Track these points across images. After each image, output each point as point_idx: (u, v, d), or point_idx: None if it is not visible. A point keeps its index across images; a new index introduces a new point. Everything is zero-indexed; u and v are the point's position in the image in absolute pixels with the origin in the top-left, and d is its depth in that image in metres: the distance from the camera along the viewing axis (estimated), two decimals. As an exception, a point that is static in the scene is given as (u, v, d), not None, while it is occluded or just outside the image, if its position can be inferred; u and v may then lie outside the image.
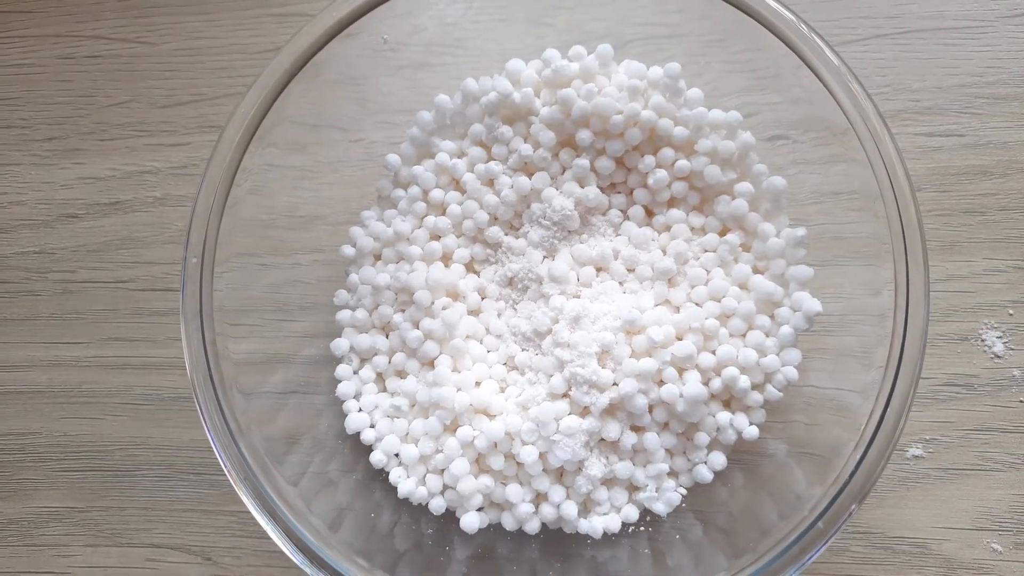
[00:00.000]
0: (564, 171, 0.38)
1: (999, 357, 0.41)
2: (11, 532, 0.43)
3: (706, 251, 0.37)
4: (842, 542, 0.40)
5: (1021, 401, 0.40)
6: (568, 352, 0.34)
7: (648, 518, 0.37)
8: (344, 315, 0.39)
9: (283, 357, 0.39)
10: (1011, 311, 0.41)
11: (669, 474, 0.36)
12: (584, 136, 0.36)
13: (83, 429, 0.44)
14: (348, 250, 0.39)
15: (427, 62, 0.41)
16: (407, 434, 0.37)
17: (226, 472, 0.32)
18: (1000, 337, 0.41)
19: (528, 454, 0.34)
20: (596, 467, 0.35)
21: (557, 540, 0.37)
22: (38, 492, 0.44)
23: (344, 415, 0.38)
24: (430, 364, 0.37)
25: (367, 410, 0.38)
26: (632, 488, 0.37)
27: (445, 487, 0.36)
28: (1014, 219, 0.42)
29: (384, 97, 0.41)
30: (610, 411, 0.35)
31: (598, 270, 0.37)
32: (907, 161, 0.42)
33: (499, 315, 0.38)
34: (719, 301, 0.36)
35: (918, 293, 0.30)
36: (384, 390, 0.39)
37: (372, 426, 0.37)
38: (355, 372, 0.39)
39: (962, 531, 0.40)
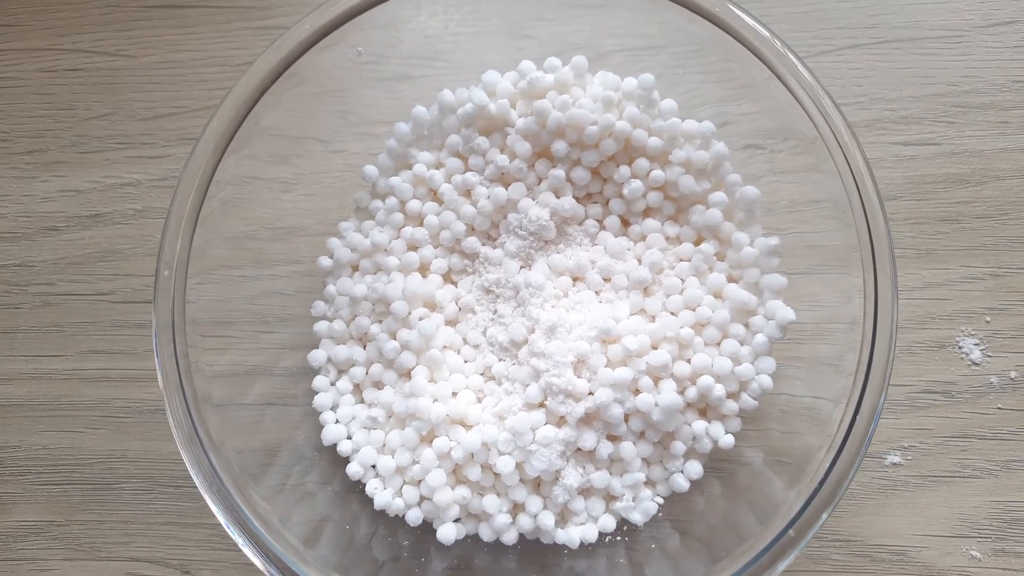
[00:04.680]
0: (540, 182, 0.38)
1: (976, 364, 0.41)
2: (-10, 546, 0.43)
3: (681, 260, 0.37)
4: (822, 550, 0.40)
5: (999, 408, 0.41)
6: (544, 362, 0.34)
7: (625, 527, 0.37)
8: (321, 326, 0.39)
9: (261, 369, 0.39)
10: (988, 318, 0.41)
11: (646, 483, 0.36)
12: (559, 147, 0.37)
13: (62, 442, 0.44)
14: (325, 261, 0.39)
15: (408, 74, 0.41)
16: (384, 445, 0.37)
17: (198, 486, 0.32)
18: (977, 344, 0.41)
19: (505, 464, 0.34)
20: (573, 477, 0.35)
21: (535, 550, 0.37)
22: (17, 506, 0.43)
23: (321, 427, 0.38)
24: (407, 375, 0.37)
25: (344, 421, 0.38)
26: (609, 498, 0.36)
27: (422, 498, 0.36)
28: (990, 227, 0.42)
29: (365, 108, 0.42)
30: (586, 421, 0.35)
31: (574, 280, 0.38)
32: (883, 170, 0.43)
33: (476, 325, 0.38)
34: (694, 310, 0.36)
35: (886, 301, 0.31)
36: (361, 401, 0.39)
37: (349, 437, 0.37)
38: (332, 383, 0.39)
39: (941, 538, 0.40)
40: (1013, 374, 0.41)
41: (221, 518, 0.32)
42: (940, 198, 0.42)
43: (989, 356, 0.41)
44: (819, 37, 0.44)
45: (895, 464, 0.40)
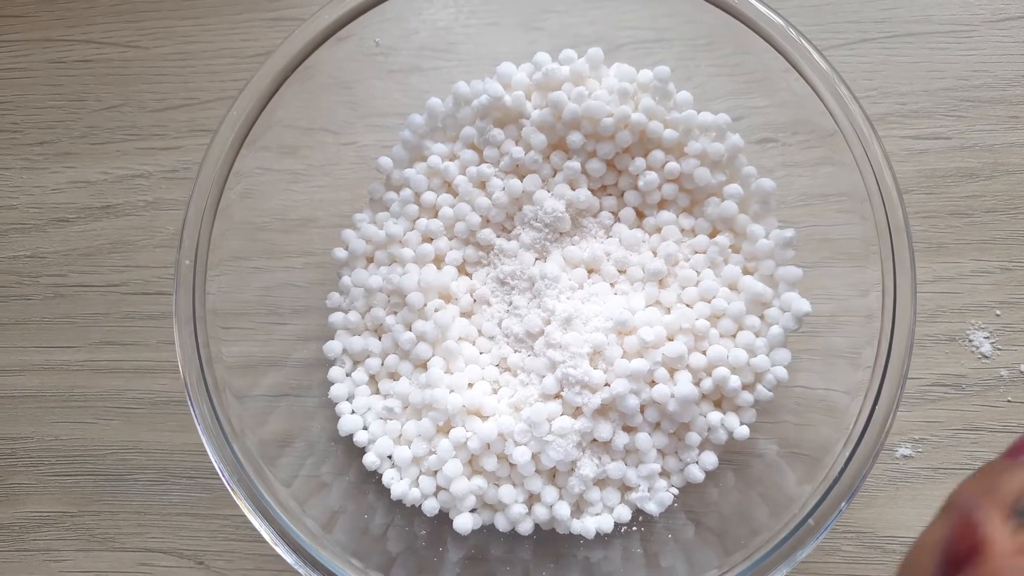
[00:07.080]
0: (555, 173, 0.38)
1: (987, 357, 0.41)
2: (2, 537, 0.43)
3: (696, 252, 0.37)
4: (833, 542, 0.40)
5: (1009, 401, 0.41)
6: (560, 353, 0.35)
7: (640, 518, 0.37)
8: (337, 317, 0.39)
9: (276, 360, 0.39)
10: (998, 312, 0.42)
11: (661, 474, 0.37)
12: (575, 139, 0.37)
13: (75, 433, 0.44)
14: (340, 253, 0.39)
15: (419, 66, 0.41)
16: (400, 436, 0.37)
17: (220, 474, 0.32)
18: (987, 337, 0.41)
19: (521, 455, 0.34)
20: (588, 467, 0.35)
21: (550, 541, 0.37)
22: (30, 497, 0.44)
23: (337, 417, 0.38)
24: (423, 366, 0.37)
25: (360, 412, 0.38)
26: (624, 488, 0.37)
27: (438, 488, 0.36)
28: (1000, 221, 0.42)
29: (376, 100, 0.42)
30: (602, 411, 0.35)
31: (589, 271, 0.38)
32: (894, 164, 0.43)
33: (491, 317, 0.38)
34: (709, 302, 0.36)
35: (905, 295, 0.31)
36: (377, 392, 0.39)
37: (365, 428, 0.38)
38: (348, 374, 0.39)
39: (951, 530, 0.40)
40: (1023, 367, 0.41)
41: (244, 507, 0.32)
42: (950, 192, 0.43)
43: (999, 349, 0.41)
44: (830, 31, 0.44)
45: (906, 456, 0.41)
